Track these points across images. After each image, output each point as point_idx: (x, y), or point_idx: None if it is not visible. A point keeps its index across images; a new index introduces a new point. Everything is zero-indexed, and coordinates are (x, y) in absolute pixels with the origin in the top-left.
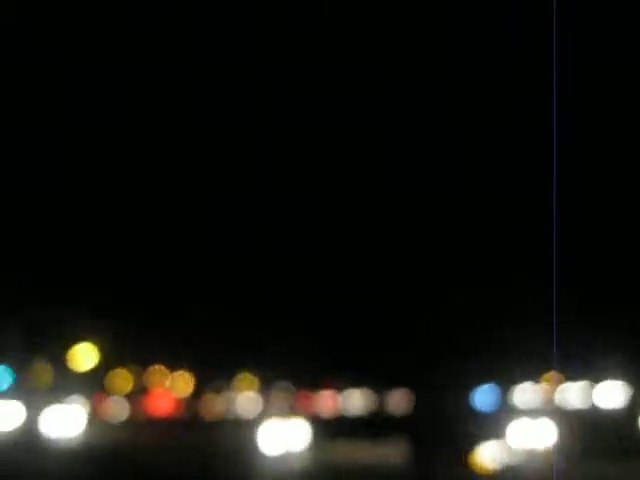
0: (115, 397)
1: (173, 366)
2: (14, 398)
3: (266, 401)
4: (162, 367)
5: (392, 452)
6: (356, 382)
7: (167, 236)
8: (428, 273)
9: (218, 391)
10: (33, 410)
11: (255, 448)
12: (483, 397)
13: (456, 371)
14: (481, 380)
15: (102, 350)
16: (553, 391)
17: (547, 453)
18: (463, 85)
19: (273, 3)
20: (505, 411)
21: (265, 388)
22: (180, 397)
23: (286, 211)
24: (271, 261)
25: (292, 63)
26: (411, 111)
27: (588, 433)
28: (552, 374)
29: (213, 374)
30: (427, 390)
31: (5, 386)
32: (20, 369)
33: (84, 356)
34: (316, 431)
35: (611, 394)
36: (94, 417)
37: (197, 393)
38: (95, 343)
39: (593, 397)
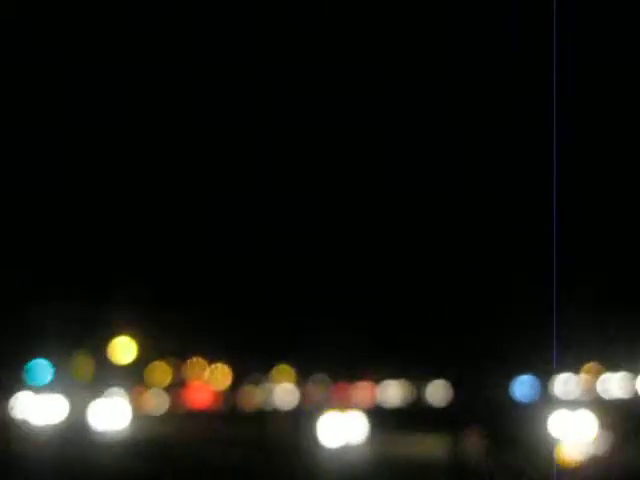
0: (154, 390)
1: (211, 358)
2: (56, 392)
3: (303, 393)
4: (200, 359)
5: (434, 444)
6: (393, 373)
7: (167, 236)
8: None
9: (256, 383)
10: (77, 403)
11: (314, 440)
12: (523, 388)
13: (496, 362)
14: (521, 371)
15: (141, 343)
16: (593, 381)
17: (588, 444)
18: (463, 85)
19: (273, 3)
20: (545, 402)
21: (302, 380)
22: (218, 389)
23: (286, 211)
24: (271, 261)
25: (292, 63)
26: (411, 111)
27: (629, 423)
28: (592, 365)
29: (251, 366)
30: (467, 381)
31: (47, 380)
32: (60, 363)
33: (123, 349)
34: (373, 423)
35: None
36: (135, 410)
37: (235, 385)
38: (134, 336)
39: (636, 387)
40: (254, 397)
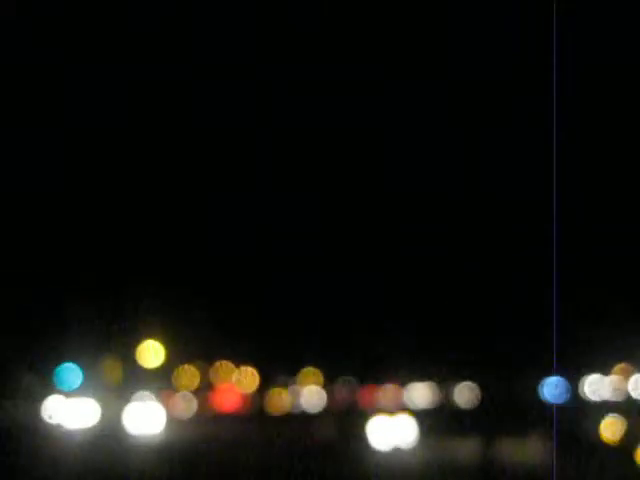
0: (183, 393)
1: (238, 362)
2: (86, 396)
3: (330, 396)
4: (227, 363)
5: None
6: (420, 376)
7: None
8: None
9: (284, 386)
10: (108, 407)
11: (363, 443)
12: (551, 390)
13: (523, 363)
14: (549, 372)
15: (168, 347)
16: (624, 382)
17: (616, 444)
18: (463, 85)
19: (273, 3)
20: (574, 404)
21: (328, 382)
22: (246, 392)
23: (286, 211)
24: (271, 261)
25: (292, 63)
26: (411, 111)
27: None
28: (623, 366)
29: (278, 369)
30: (495, 383)
31: (77, 384)
32: (88, 367)
33: (152, 353)
34: (420, 427)
35: None
36: (166, 414)
37: (262, 388)
38: (161, 340)
39: None
40: (281, 400)
